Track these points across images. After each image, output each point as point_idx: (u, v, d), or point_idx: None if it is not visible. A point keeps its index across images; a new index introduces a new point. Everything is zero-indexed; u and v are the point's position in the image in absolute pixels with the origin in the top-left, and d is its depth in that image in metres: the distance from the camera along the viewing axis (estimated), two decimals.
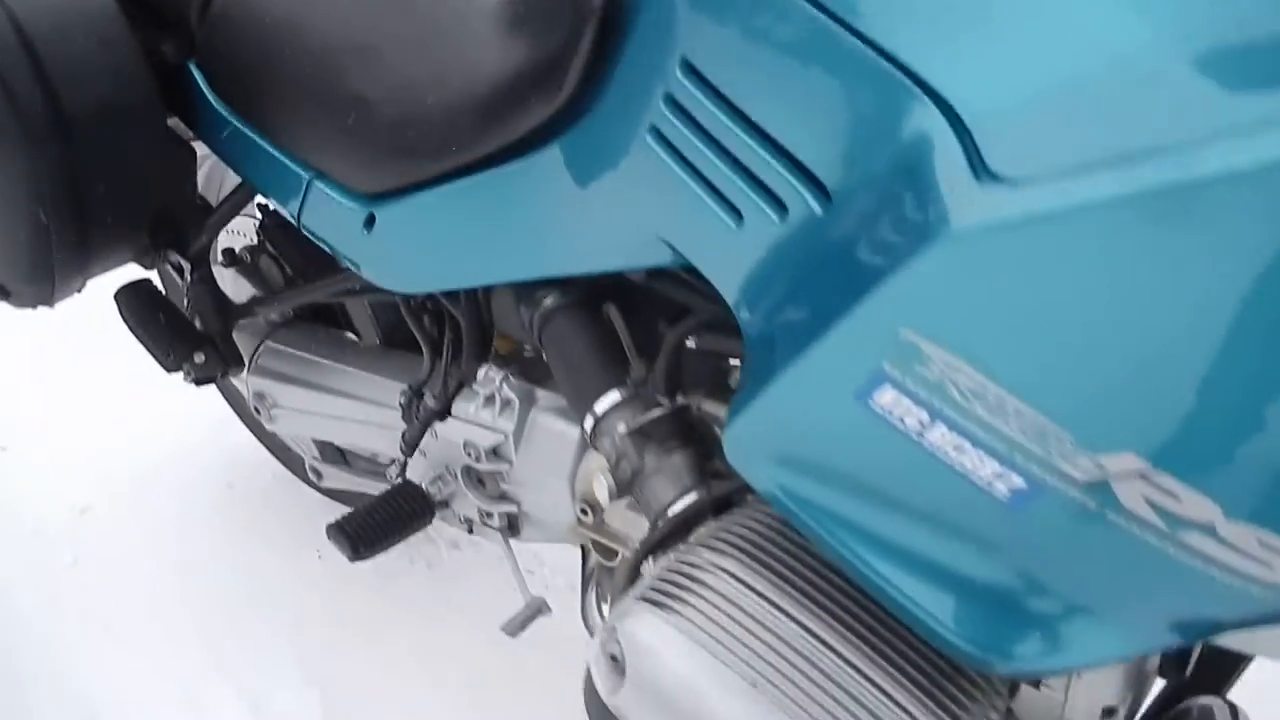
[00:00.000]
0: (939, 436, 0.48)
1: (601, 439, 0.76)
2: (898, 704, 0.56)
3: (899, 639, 0.59)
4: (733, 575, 0.60)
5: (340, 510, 1.49)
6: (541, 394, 0.94)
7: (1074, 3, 0.42)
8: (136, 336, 1.07)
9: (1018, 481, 0.46)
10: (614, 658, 0.60)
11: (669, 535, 0.67)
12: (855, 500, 0.54)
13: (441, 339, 0.98)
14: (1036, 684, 0.75)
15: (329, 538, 0.99)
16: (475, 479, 0.99)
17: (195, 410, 1.72)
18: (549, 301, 0.83)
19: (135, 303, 1.07)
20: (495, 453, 0.95)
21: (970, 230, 0.42)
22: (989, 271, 0.43)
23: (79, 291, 1.10)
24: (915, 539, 0.53)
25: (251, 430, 1.57)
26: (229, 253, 1.24)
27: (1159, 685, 0.82)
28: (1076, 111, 0.41)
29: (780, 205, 0.56)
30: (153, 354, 1.07)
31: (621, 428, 0.74)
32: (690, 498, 0.69)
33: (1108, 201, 0.38)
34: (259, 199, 1.28)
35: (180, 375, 1.10)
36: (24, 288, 1.03)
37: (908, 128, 0.46)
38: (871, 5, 0.49)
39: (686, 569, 0.61)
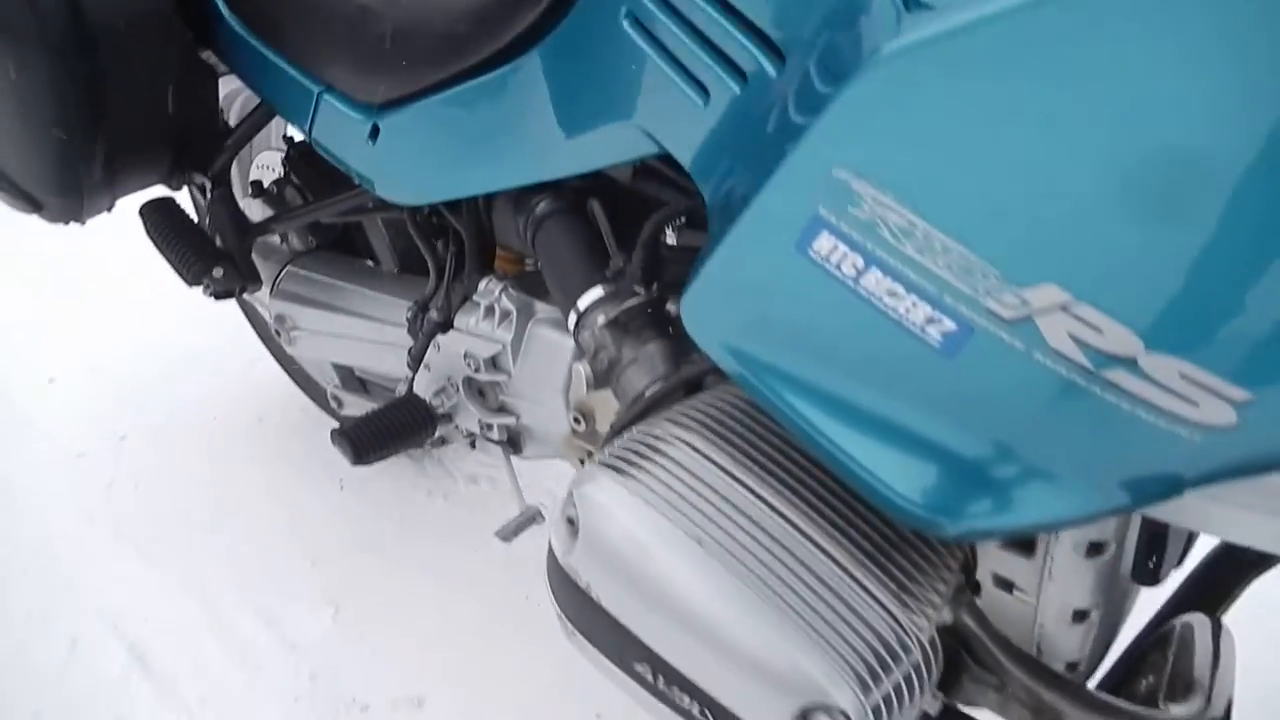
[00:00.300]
0: (873, 281, 0.48)
1: (582, 332, 0.78)
2: (842, 567, 0.57)
3: (852, 511, 0.60)
4: (691, 446, 0.61)
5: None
6: (540, 306, 0.95)
7: None
8: (159, 250, 1.11)
9: (949, 325, 0.47)
10: (570, 520, 0.62)
11: (638, 416, 0.68)
12: (801, 360, 0.54)
13: (446, 254, 1.00)
14: (1009, 589, 0.75)
15: (333, 442, 1.01)
16: (476, 390, 1.01)
17: (230, 349, 1.78)
18: (541, 207, 0.85)
19: (158, 218, 1.11)
20: (494, 363, 0.97)
21: (892, 54, 0.42)
22: (910, 97, 0.43)
23: (109, 210, 1.15)
24: (859, 398, 0.53)
25: (280, 364, 1.61)
26: (256, 185, 1.28)
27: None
28: None
29: (739, 74, 0.56)
30: (174, 267, 1.10)
31: (600, 319, 0.76)
32: (662, 383, 0.70)
33: (1017, 7, 0.38)
34: (284, 133, 1.32)
35: (201, 291, 1.13)
36: (54, 200, 1.07)
37: None
38: None
39: (648, 439, 0.62)
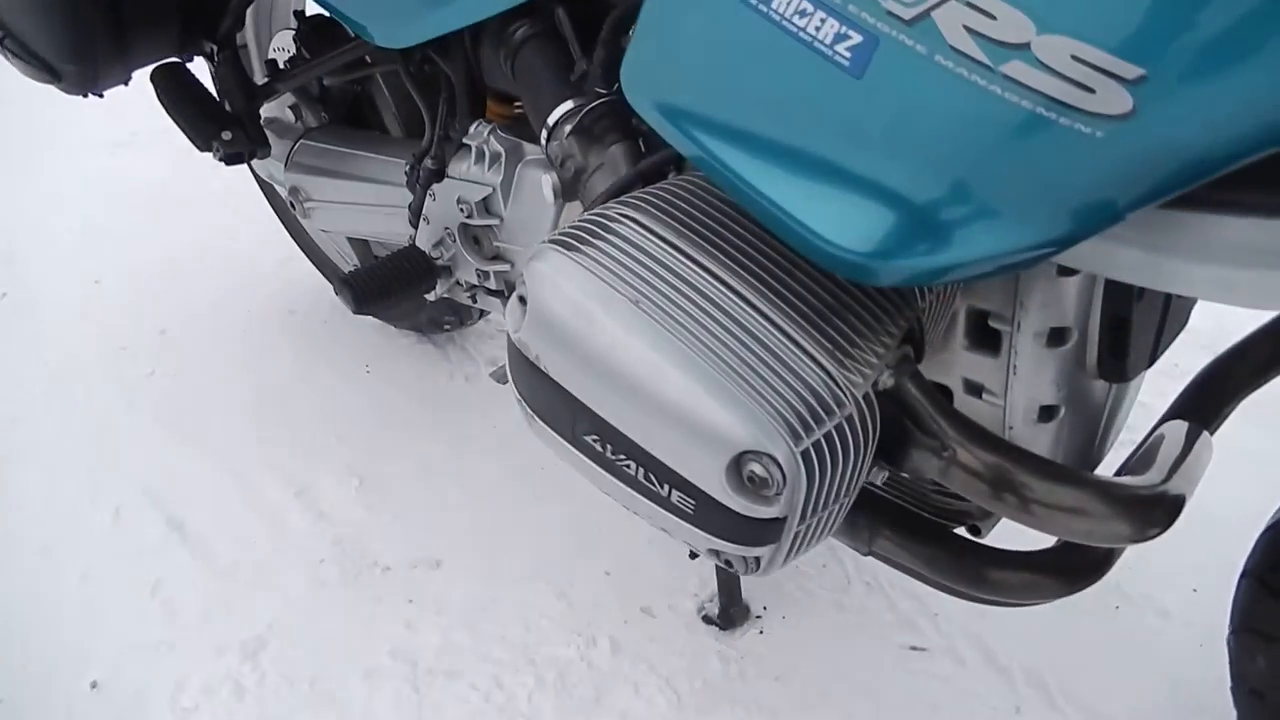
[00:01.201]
0: (782, 2, 0.48)
1: (551, 145, 0.78)
2: (778, 327, 0.57)
3: (792, 278, 0.60)
4: (637, 222, 0.62)
5: (381, 326, 1.58)
6: (528, 148, 0.96)
7: None
8: (170, 116, 1.15)
9: (855, 37, 0.46)
10: (522, 299, 0.63)
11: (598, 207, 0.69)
12: (726, 107, 0.54)
13: (437, 101, 1.01)
14: (979, 394, 0.75)
15: (335, 292, 1.04)
16: (471, 238, 1.02)
17: (262, 249, 1.83)
18: (519, 34, 0.85)
19: (169, 83, 1.14)
20: (486, 207, 0.99)
21: None
22: None
23: (125, 84, 1.18)
24: (784, 140, 0.53)
25: (308, 256, 1.65)
26: (272, 64, 1.30)
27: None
28: None
29: None
30: (185, 131, 1.14)
31: (567, 129, 0.76)
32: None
33: None
34: (294, 8, 1.34)
35: (212, 156, 1.17)
36: (69, 68, 1.10)
37: None
38: None
39: (597, 219, 0.63)
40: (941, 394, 0.77)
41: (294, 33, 1.27)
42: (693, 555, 1.04)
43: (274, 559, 1.32)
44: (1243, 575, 0.82)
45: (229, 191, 1.88)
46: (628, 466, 0.61)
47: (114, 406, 1.58)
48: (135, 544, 1.35)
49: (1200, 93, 0.41)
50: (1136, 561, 0.88)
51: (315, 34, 1.22)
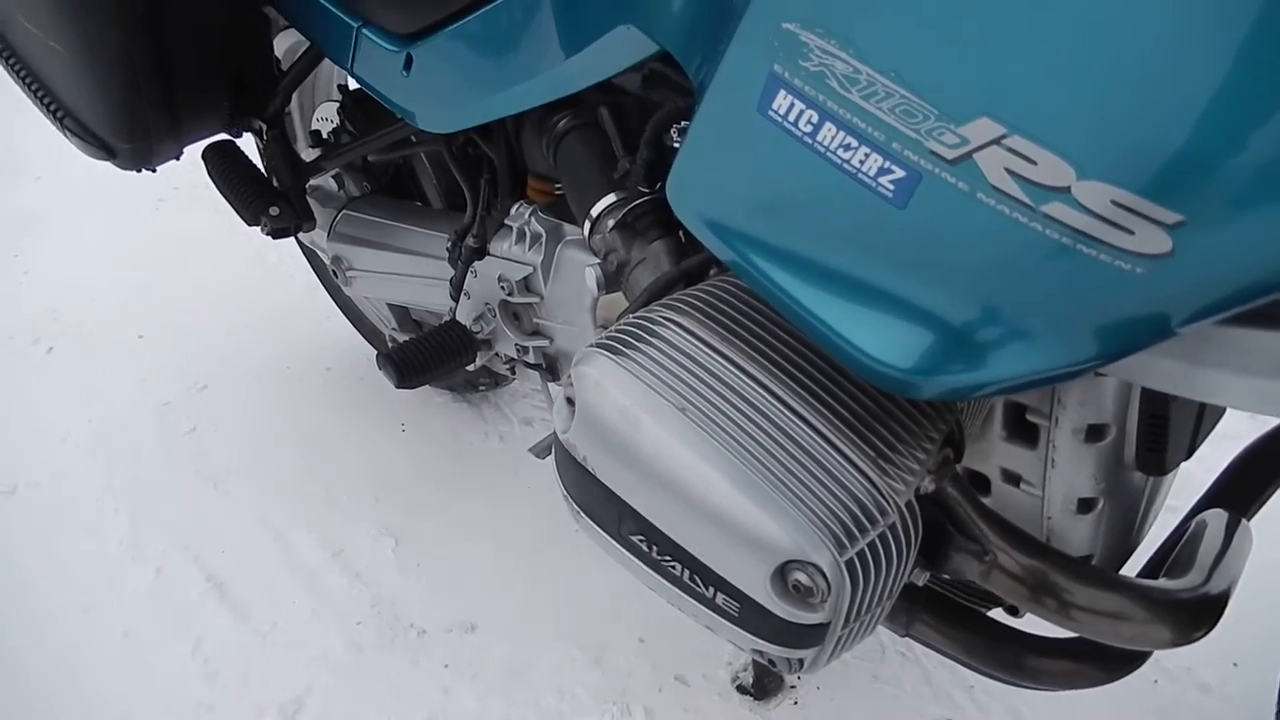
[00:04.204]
0: (828, 135, 0.50)
1: (594, 238, 0.80)
2: (821, 434, 0.58)
3: (835, 384, 0.61)
4: (682, 326, 0.63)
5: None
6: (568, 229, 0.98)
7: None
8: (220, 191, 1.18)
9: (898, 172, 0.48)
10: (569, 400, 0.65)
11: (640, 306, 0.71)
12: (772, 225, 0.56)
13: (481, 182, 1.03)
14: (1017, 483, 0.75)
15: (378, 366, 1.07)
16: (511, 314, 1.05)
17: (303, 308, 1.87)
18: (561, 125, 0.88)
19: (219, 160, 1.17)
20: (526, 285, 1.01)
21: None
22: None
23: (177, 158, 1.22)
24: (827, 260, 0.55)
25: (348, 317, 1.68)
26: (315, 134, 1.34)
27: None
28: None
29: None
30: (234, 207, 1.17)
31: (610, 223, 0.78)
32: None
33: None
34: (339, 83, 1.38)
35: (260, 230, 1.20)
36: (125, 147, 1.14)
37: None
38: None
39: (642, 323, 0.65)
40: (979, 482, 0.78)
41: (338, 105, 1.31)
42: None
43: (311, 621, 1.33)
44: None
45: (270, 247, 1.92)
46: (673, 567, 0.62)
47: (156, 462, 1.61)
48: (176, 603, 1.37)
49: (1237, 235, 0.42)
50: None
51: (358, 108, 1.26)
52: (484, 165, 1.04)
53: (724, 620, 0.62)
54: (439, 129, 0.97)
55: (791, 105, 0.50)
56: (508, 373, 1.12)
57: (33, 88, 1.16)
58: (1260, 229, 0.41)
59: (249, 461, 1.59)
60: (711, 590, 0.61)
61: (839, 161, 0.50)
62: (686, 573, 0.62)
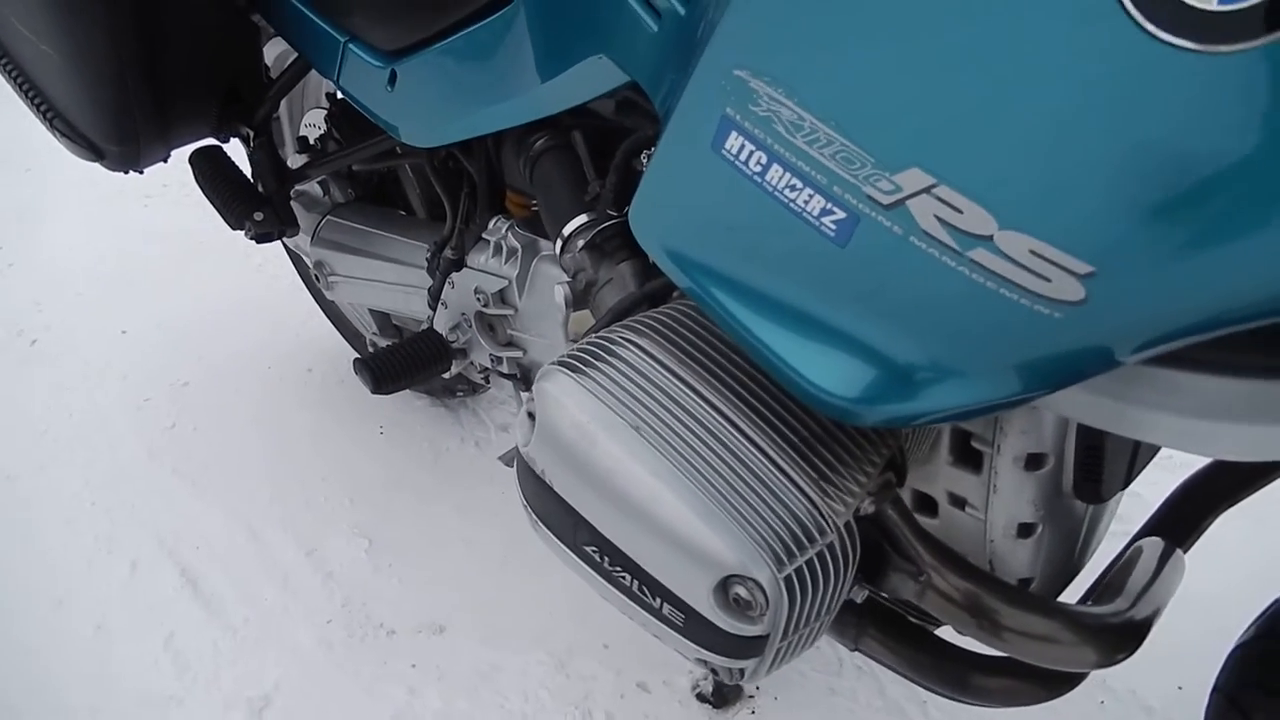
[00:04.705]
0: (775, 175, 0.53)
1: (564, 256, 0.83)
2: (766, 455, 0.61)
3: (783, 408, 0.64)
4: (639, 347, 0.66)
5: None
6: (544, 244, 1.01)
7: None
8: (206, 195, 1.20)
9: (839, 213, 0.51)
10: (530, 414, 0.67)
11: (603, 326, 0.74)
12: (725, 257, 0.59)
13: (459, 195, 1.06)
14: (962, 506, 0.78)
15: (355, 371, 1.09)
16: (486, 325, 1.07)
17: (285, 307, 1.89)
18: (538, 145, 0.91)
19: (206, 165, 1.20)
20: (501, 298, 1.04)
21: None
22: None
23: (164, 161, 1.24)
24: (776, 292, 0.57)
25: (329, 317, 1.70)
26: (303, 140, 1.36)
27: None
28: None
29: None
30: (219, 210, 1.19)
31: (579, 243, 0.81)
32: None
33: None
34: (327, 92, 1.40)
35: (244, 235, 1.22)
36: (113, 148, 1.16)
37: None
38: None
39: (602, 342, 0.68)
40: (927, 504, 0.81)
41: (326, 113, 1.33)
42: None
43: (283, 618, 1.36)
44: (1213, 690, 0.85)
45: (255, 248, 1.94)
46: (623, 578, 0.65)
47: (135, 457, 1.63)
48: (150, 597, 1.39)
49: (1143, 287, 0.45)
50: None
51: (345, 117, 1.28)
52: (464, 180, 1.06)
53: (670, 630, 0.64)
54: (421, 143, 1.00)
55: (742, 146, 0.53)
56: (482, 381, 1.14)
57: (24, 88, 1.18)
58: (1165, 282, 0.45)
59: (227, 459, 1.61)
60: (658, 601, 0.64)
61: (785, 201, 0.53)
62: (635, 584, 0.65)
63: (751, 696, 1.20)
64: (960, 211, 0.47)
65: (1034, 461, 0.71)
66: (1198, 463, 0.87)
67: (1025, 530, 0.76)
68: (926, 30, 0.45)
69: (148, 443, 1.66)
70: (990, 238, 0.46)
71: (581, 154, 0.85)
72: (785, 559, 0.59)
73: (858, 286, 0.54)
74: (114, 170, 1.21)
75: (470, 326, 1.09)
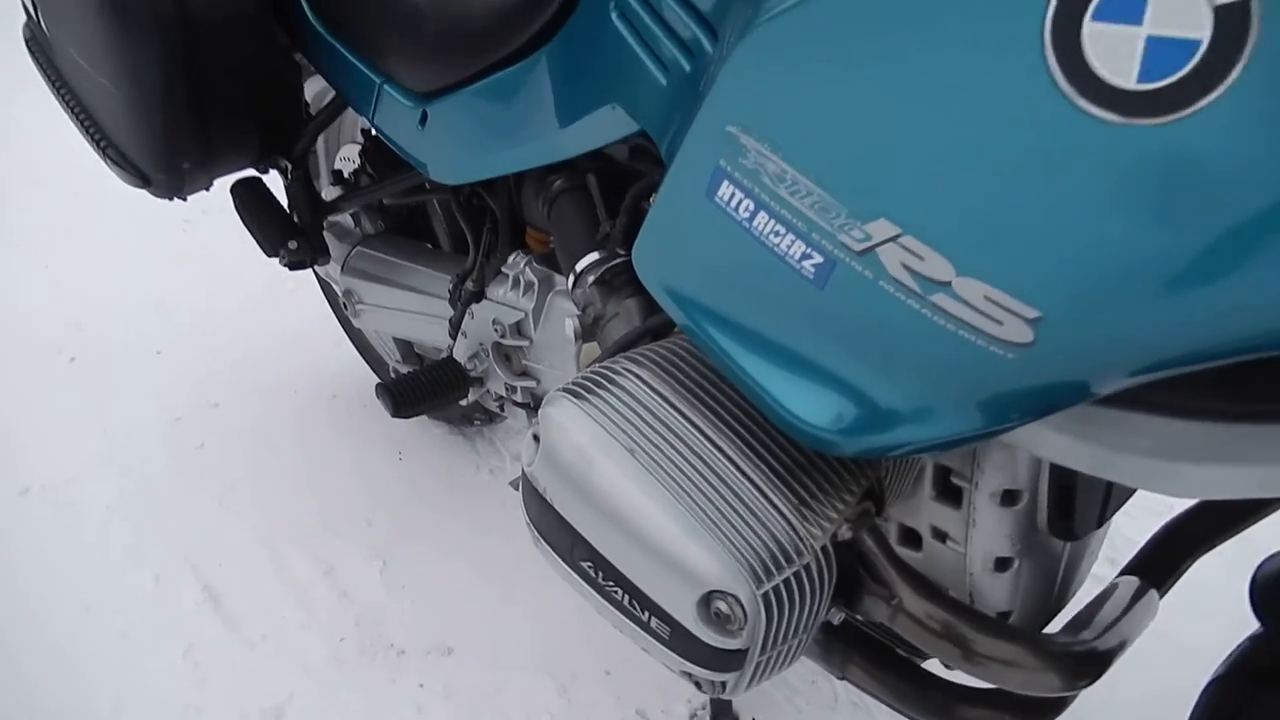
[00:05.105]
0: (761, 222, 0.58)
1: (576, 291, 0.88)
2: (751, 481, 0.66)
3: (769, 438, 0.68)
4: (639, 378, 0.71)
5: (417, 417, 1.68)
6: (559, 279, 1.07)
7: None
8: (244, 223, 1.27)
9: (817, 258, 0.56)
10: (535, 437, 0.72)
11: (608, 356, 0.79)
12: (718, 296, 0.64)
13: (483, 231, 1.12)
14: (944, 540, 0.82)
15: (376, 395, 1.15)
16: (503, 355, 1.13)
17: (315, 336, 1.95)
18: (555, 185, 0.96)
19: (246, 195, 1.26)
20: (518, 329, 1.09)
21: (759, 27, 0.52)
22: (773, 64, 0.53)
23: (207, 189, 1.31)
24: (763, 329, 0.62)
25: (356, 346, 1.77)
26: (337, 174, 1.43)
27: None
28: None
29: (689, 51, 0.67)
30: (256, 239, 1.26)
31: (590, 279, 0.86)
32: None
33: None
34: (362, 128, 1.48)
35: (278, 262, 1.29)
36: (160, 176, 1.23)
37: None
38: None
39: (605, 372, 0.72)
40: (912, 537, 0.85)
41: (360, 148, 1.40)
42: None
43: (298, 634, 1.40)
44: None
45: (286, 274, 2.01)
46: (615, 592, 0.69)
47: (164, 474, 1.69)
48: (172, 609, 1.45)
49: (1087, 331, 0.49)
50: (1105, 692, 0.93)
51: (378, 153, 1.35)
52: (487, 216, 1.12)
53: (657, 643, 0.69)
54: (448, 180, 1.06)
55: (733, 194, 0.58)
56: (498, 409, 1.19)
57: (80, 118, 1.26)
58: (1104, 328, 0.49)
59: (252, 478, 1.67)
60: (647, 615, 0.68)
61: (770, 245, 0.58)
62: (627, 598, 0.69)
63: None
64: (923, 259, 0.51)
65: (1009, 498, 0.75)
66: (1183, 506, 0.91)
67: (1002, 564, 0.79)
68: (892, 98, 0.50)
69: (176, 460, 1.72)
70: (949, 283, 0.51)
71: (595, 195, 0.90)
72: (764, 577, 0.63)
73: (834, 325, 0.58)
74: (159, 197, 1.28)
75: (488, 356, 1.14)
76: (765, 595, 0.63)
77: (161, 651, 1.38)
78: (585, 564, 0.71)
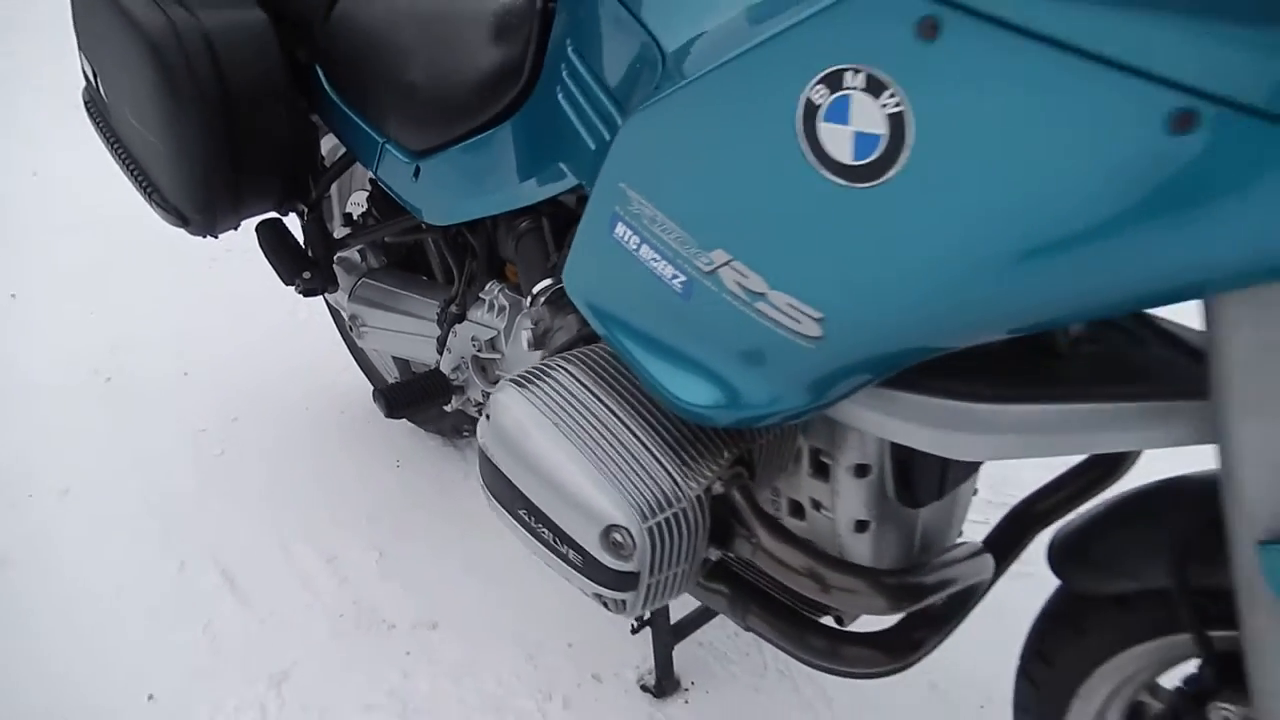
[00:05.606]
0: (646, 252, 0.80)
1: (531, 309, 1.11)
2: (645, 445, 0.87)
3: (662, 415, 0.90)
4: (568, 371, 0.93)
5: (414, 430, 1.90)
6: (525, 303, 1.29)
7: None
8: (266, 257, 1.50)
9: (682, 277, 0.78)
10: (487, 415, 0.94)
11: (548, 357, 1.01)
12: (622, 307, 0.86)
13: (464, 263, 1.35)
14: (819, 509, 1.03)
15: (373, 399, 1.37)
16: (480, 366, 1.35)
17: (325, 359, 2.18)
18: (521, 225, 1.19)
19: (268, 234, 1.50)
20: (491, 345, 1.31)
21: (640, 110, 0.75)
22: (649, 135, 0.75)
23: (235, 229, 1.54)
24: (653, 331, 0.84)
25: (360, 366, 1.99)
26: (348, 216, 1.67)
27: None
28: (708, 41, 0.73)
29: (607, 124, 0.90)
30: (276, 270, 1.49)
31: (541, 299, 1.09)
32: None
33: (700, 79, 0.70)
34: (369, 177, 1.71)
35: (294, 289, 1.52)
36: (197, 217, 1.47)
37: (642, 60, 0.80)
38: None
39: (544, 367, 0.94)
40: (799, 509, 1.05)
41: (367, 194, 1.64)
42: (634, 630, 1.32)
43: (303, 612, 1.61)
44: (1018, 667, 1.07)
45: (302, 305, 2.24)
46: (544, 533, 0.91)
47: (188, 479, 1.91)
48: (194, 591, 1.66)
49: (859, 327, 0.71)
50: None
51: (382, 198, 1.58)
52: (469, 251, 1.35)
53: (574, 571, 0.90)
54: (437, 222, 1.29)
55: (626, 232, 0.81)
56: (477, 414, 1.41)
57: (131, 169, 1.49)
58: (871, 324, 0.71)
59: (266, 482, 1.88)
60: (566, 549, 0.89)
61: (652, 269, 0.80)
62: (552, 536, 0.90)
63: (687, 690, 1.43)
64: (747, 277, 0.74)
65: (861, 470, 0.96)
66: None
67: (861, 526, 1.00)
68: (717, 166, 0.72)
69: (200, 466, 1.94)
70: (765, 294, 0.73)
71: (547, 233, 1.13)
72: (649, 515, 0.84)
73: (698, 328, 0.81)
74: (196, 235, 1.52)
75: (468, 368, 1.36)
76: (650, 529, 0.84)
77: (184, 626, 1.59)
78: (522, 512, 0.93)
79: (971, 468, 1.05)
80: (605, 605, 0.92)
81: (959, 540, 1.10)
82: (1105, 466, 1.08)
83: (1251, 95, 0.48)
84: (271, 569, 1.69)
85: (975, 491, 1.13)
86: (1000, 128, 0.55)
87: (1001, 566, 1.09)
